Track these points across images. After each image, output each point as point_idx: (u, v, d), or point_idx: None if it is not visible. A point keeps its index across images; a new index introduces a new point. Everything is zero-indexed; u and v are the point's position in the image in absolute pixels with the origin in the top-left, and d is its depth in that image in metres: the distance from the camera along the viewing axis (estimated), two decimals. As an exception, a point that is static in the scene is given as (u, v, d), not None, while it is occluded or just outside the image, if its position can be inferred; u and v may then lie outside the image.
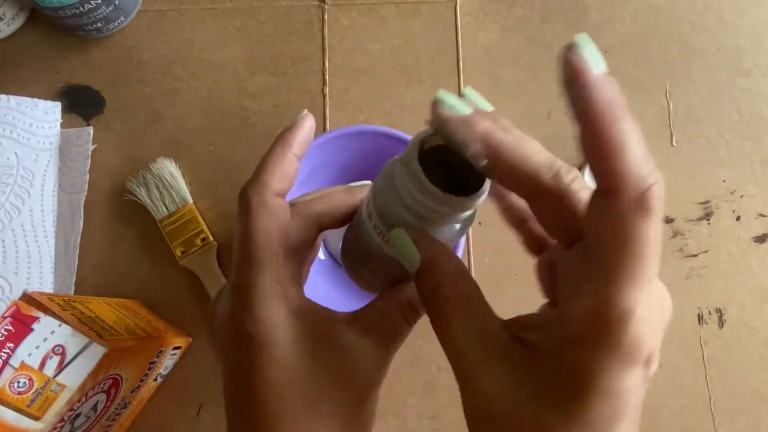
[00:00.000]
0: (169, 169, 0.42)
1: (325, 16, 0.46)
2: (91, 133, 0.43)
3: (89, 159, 0.42)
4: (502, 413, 0.16)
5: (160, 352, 0.36)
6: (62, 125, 0.42)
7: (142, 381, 0.36)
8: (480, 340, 0.18)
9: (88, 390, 0.30)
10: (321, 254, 0.41)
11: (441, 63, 0.45)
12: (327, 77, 0.45)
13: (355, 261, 0.23)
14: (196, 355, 0.40)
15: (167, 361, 0.39)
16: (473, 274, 0.42)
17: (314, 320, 0.21)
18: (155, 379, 0.39)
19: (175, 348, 0.39)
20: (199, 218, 0.42)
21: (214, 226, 0.42)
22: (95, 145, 0.43)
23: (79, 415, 0.31)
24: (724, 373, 0.41)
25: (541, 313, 0.19)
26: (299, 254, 0.22)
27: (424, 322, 0.42)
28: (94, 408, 0.32)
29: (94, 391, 0.31)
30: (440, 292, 0.19)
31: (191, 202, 0.42)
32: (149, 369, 0.36)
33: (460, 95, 0.19)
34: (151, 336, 0.36)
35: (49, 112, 0.42)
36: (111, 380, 0.32)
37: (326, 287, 0.39)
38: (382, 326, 0.21)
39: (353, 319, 0.21)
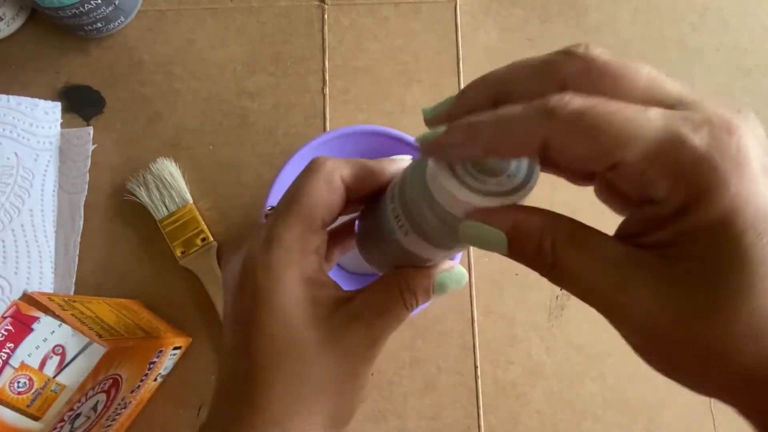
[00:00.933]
0: (169, 169, 0.42)
1: (325, 16, 0.46)
2: (91, 133, 0.43)
3: (89, 159, 0.42)
4: (667, 327, 0.15)
5: (160, 352, 0.36)
6: (62, 125, 0.42)
7: (142, 381, 0.36)
8: (610, 269, 0.16)
9: (88, 390, 0.30)
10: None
11: (441, 63, 0.45)
12: (327, 77, 0.45)
13: (367, 236, 0.23)
14: (196, 355, 0.40)
15: (167, 362, 0.39)
16: (473, 275, 0.42)
17: (321, 290, 0.21)
18: (155, 379, 0.39)
19: (175, 348, 0.39)
20: (199, 218, 0.42)
21: (214, 226, 0.42)
22: (95, 145, 0.43)
23: (79, 415, 0.31)
24: (724, 373, 0.41)
25: (638, 217, 0.17)
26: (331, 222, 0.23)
27: (424, 322, 0.42)
28: (94, 408, 0.32)
29: (94, 391, 0.31)
30: (543, 253, 0.17)
31: (191, 202, 0.42)
32: (149, 369, 0.36)
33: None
34: (151, 336, 0.36)
35: (49, 112, 0.42)
36: (111, 380, 0.32)
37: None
38: (379, 306, 0.21)
39: (354, 296, 0.22)
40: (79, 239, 0.41)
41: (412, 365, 0.41)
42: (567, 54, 0.17)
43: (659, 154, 0.15)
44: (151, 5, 0.46)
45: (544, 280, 0.41)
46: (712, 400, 0.40)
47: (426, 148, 0.18)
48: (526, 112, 0.16)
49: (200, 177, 0.43)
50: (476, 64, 0.45)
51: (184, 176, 0.42)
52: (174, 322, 0.41)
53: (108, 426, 0.36)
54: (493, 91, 0.18)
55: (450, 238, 0.19)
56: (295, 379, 0.20)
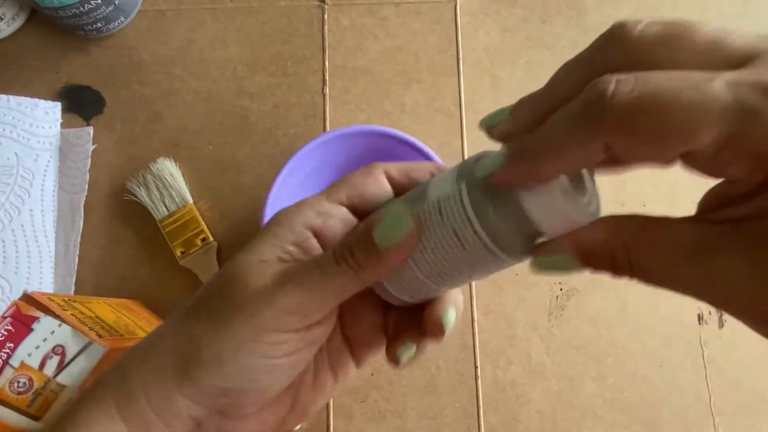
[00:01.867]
0: (169, 169, 0.42)
1: (325, 16, 0.46)
2: (92, 133, 0.43)
3: (89, 159, 0.42)
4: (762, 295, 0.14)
5: None
6: (62, 125, 0.42)
7: None
8: (689, 261, 0.15)
9: None
10: (321, 254, 0.41)
11: (441, 63, 0.45)
12: (327, 77, 0.45)
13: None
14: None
15: None
16: (473, 274, 0.42)
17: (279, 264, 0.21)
18: None
19: None
20: (199, 218, 0.42)
21: (214, 226, 0.42)
22: (95, 145, 0.43)
23: None
24: (724, 373, 0.41)
25: (716, 191, 0.16)
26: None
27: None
28: None
29: None
30: (619, 263, 0.16)
31: (191, 202, 0.42)
32: None
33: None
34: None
35: (49, 112, 0.42)
36: None
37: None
38: (310, 263, 0.20)
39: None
40: (79, 239, 0.41)
41: (412, 365, 0.41)
42: (609, 35, 0.15)
43: (731, 137, 0.13)
44: (151, 5, 0.46)
45: (544, 280, 0.41)
46: (712, 400, 0.40)
47: (495, 182, 0.17)
48: (570, 122, 0.15)
49: (200, 177, 0.43)
50: (476, 64, 0.45)
51: (184, 176, 0.42)
52: (174, 322, 0.41)
53: None
54: (541, 102, 0.17)
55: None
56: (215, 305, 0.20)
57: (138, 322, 0.36)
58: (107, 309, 0.35)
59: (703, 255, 0.15)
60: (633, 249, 0.16)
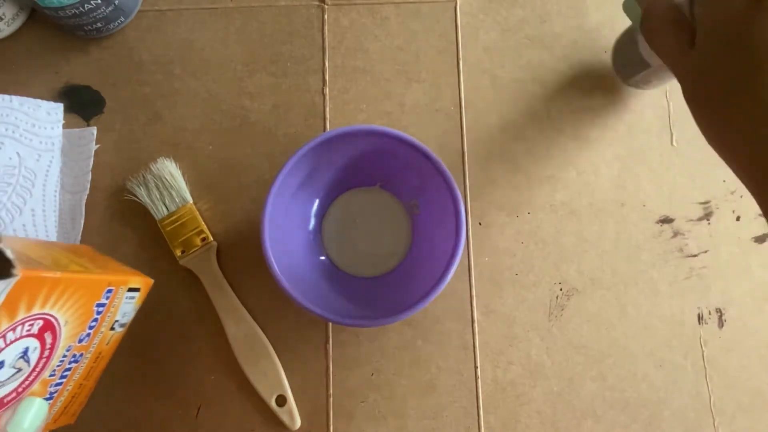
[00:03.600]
0: (169, 168, 0.42)
1: (325, 16, 0.46)
2: (95, 133, 0.43)
3: (92, 159, 0.42)
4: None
5: (109, 292, 0.32)
6: (63, 125, 0.42)
7: (92, 329, 0.32)
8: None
9: (5, 330, 0.25)
10: (321, 254, 0.41)
11: (441, 63, 0.45)
12: (327, 77, 0.45)
13: None
14: (196, 355, 0.41)
15: (124, 307, 0.34)
16: (473, 274, 0.42)
17: None
18: (113, 328, 0.34)
19: (132, 290, 0.34)
20: (199, 218, 0.42)
21: (214, 226, 0.42)
22: (98, 145, 0.43)
23: (1, 364, 0.26)
24: (724, 373, 0.41)
25: None
26: None
27: (424, 322, 0.42)
28: (25, 357, 0.27)
29: (15, 333, 0.26)
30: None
31: (191, 202, 0.42)
32: (98, 314, 0.32)
33: None
34: (92, 272, 0.31)
35: (52, 112, 0.42)
36: (41, 321, 0.27)
37: (326, 289, 0.39)
38: None
39: None
40: (79, 238, 0.41)
41: (412, 365, 0.41)
42: None
43: None
44: (151, 5, 0.46)
45: (544, 280, 0.42)
46: (712, 400, 0.40)
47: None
48: None
49: (200, 177, 0.43)
50: (476, 64, 0.45)
51: (184, 176, 0.42)
52: (174, 323, 0.41)
53: (60, 383, 0.31)
54: None
55: None
56: None
57: (76, 259, 0.32)
58: (31, 243, 0.31)
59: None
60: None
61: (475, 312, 0.42)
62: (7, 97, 0.41)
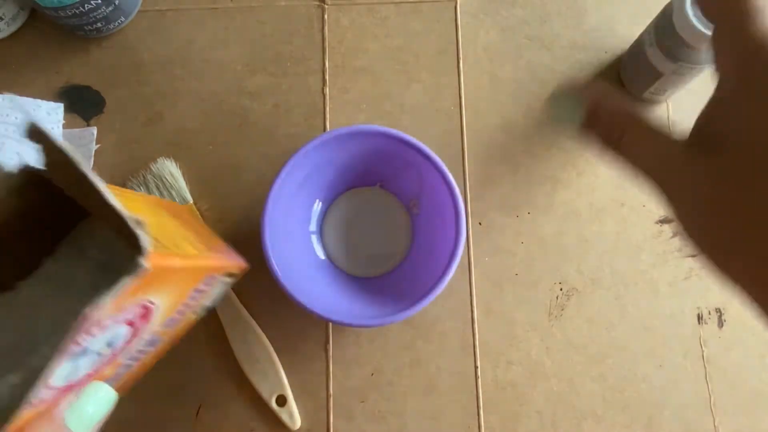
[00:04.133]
0: (170, 169, 0.42)
1: (325, 16, 0.46)
2: (95, 133, 0.43)
3: (92, 159, 0.42)
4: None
5: (211, 278, 0.28)
6: (63, 125, 0.42)
7: (181, 313, 0.28)
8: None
9: (106, 320, 0.21)
10: (321, 254, 0.41)
11: (441, 63, 0.45)
12: (327, 77, 0.45)
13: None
14: (197, 355, 0.40)
15: (215, 291, 0.30)
16: (473, 274, 0.42)
17: None
18: (195, 313, 0.30)
19: (228, 275, 0.31)
20: (200, 218, 0.42)
21: (214, 226, 0.42)
22: (98, 145, 0.43)
23: (85, 351, 0.22)
24: (724, 373, 0.41)
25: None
26: None
27: (424, 322, 0.42)
28: (110, 344, 0.23)
29: (113, 320, 0.22)
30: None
31: (191, 202, 0.42)
32: (191, 299, 0.28)
33: None
34: (203, 257, 0.27)
35: (52, 113, 0.42)
36: (141, 309, 0.23)
37: (326, 289, 0.39)
38: None
39: None
40: (79, 239, 0.41)
41: (412, 365, 0.41)
42: None
43: None
44: (151, 5, 0.46)
45: (544, 280, 0.42)
46: (712, 399, 0.40)
47: None
48: None
49: (200, 177, 0.43)
50: (476, 64, 0.45)
51: (184, 176, 0.42)
52: (174, 322, 0.41)
53: (129, 365, 0.27)
54: None
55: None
56: None
57: (187, 234, 0.27)
58: (142, 205, 0.26)
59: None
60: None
61: (475, 312, 0.42)
62: (7, 96, 0.41)
